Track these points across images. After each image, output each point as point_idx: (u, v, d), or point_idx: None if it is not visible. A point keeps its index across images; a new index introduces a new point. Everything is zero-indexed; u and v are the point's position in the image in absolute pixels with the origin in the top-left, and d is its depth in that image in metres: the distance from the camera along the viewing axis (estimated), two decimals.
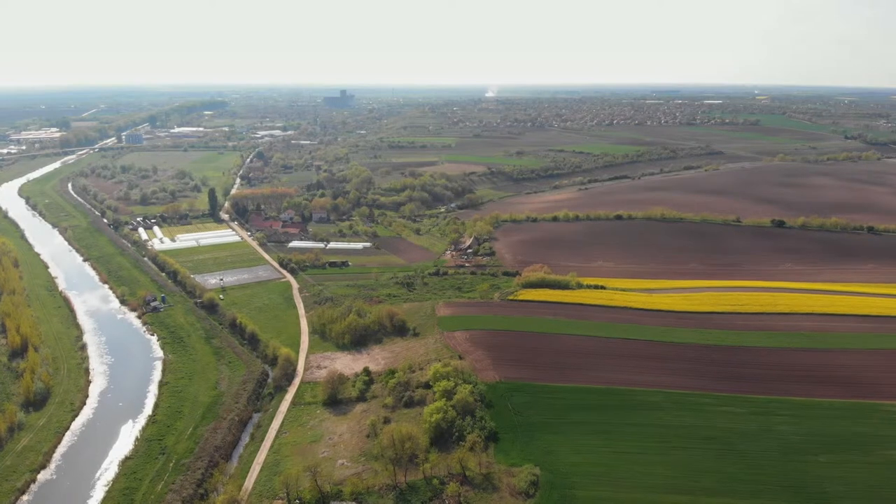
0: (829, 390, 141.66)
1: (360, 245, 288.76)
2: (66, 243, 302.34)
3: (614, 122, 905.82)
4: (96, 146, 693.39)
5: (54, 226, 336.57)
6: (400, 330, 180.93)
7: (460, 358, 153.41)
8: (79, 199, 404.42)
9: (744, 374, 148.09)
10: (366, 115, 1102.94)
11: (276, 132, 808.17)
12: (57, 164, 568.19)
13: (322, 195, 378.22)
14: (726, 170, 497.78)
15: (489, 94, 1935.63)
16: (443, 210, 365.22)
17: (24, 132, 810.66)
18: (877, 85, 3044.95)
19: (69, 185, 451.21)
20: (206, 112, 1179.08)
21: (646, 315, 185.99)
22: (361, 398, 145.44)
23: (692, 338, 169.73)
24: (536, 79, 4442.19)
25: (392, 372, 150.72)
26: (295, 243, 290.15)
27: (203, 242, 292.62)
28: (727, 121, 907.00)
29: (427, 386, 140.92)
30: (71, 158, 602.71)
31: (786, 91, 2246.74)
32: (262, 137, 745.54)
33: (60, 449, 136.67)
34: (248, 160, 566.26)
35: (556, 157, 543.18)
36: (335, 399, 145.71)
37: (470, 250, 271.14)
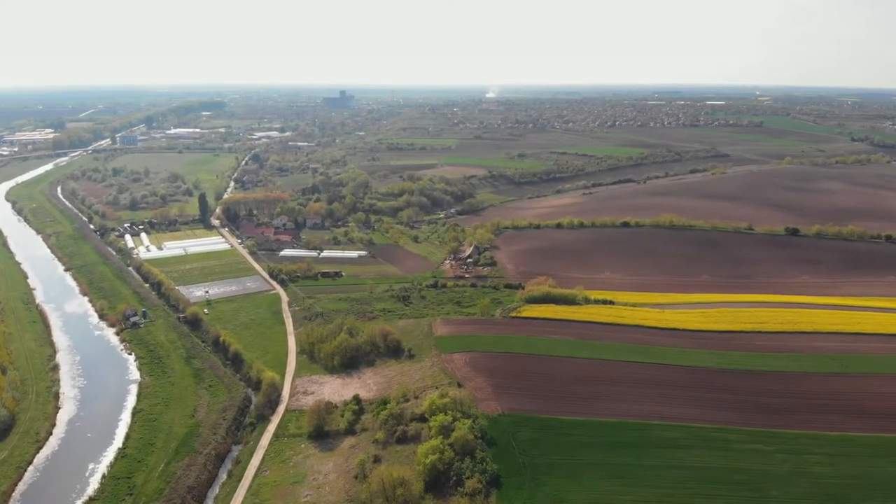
0: (864, 423, 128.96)
1: (355, 254, 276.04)
2: (49, 251, 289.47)
3: (616, 123, 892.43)
4: (90, 148, 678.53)
5: (38, 232, 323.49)
6: (394, 351, 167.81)
7: (459, 385, 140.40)
8: (67, 203, 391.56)
9: (770, 405, 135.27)
10: (365, 115, 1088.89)
11: (274, 133, 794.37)
12: (49, 166, 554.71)
13: (317, 200, 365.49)
14: (734, 173, 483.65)
15: (490, 95, 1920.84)
16: (442, 216, 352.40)
17: (17, 133, 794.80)
18: (878, 85, 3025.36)
19: (58, 189, 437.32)
20: (204, 113, 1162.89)
21: (659, 334, 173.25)
22: (350, 431, 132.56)
23: (711, 361, 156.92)
24: (537, 79, 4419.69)
25: (384, 402, 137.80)
26: (287, 251, 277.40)
27: (191, 251, 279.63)
28: (731, 122, 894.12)
29: (422, 419, 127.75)
30: (63, 160, 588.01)
31: (787, 91, 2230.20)
32: (258, 139, 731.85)
33: (21, 487, 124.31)
34: (244, 162, 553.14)
35: (558, 160, 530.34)
36: (321, 431, 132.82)
37: (470, 260, 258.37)
